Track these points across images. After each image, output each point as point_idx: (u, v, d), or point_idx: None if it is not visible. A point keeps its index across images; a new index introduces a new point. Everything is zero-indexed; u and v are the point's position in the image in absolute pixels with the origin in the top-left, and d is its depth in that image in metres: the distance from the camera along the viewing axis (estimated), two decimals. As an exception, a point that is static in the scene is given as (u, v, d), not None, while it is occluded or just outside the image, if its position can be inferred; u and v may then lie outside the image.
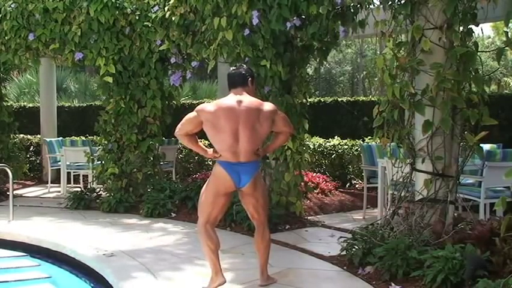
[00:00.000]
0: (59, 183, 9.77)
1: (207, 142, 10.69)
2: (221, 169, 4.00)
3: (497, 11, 4.56)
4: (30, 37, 8.14)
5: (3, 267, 5.51)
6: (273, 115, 4.07)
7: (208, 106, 4.06)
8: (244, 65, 4.40)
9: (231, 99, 4.04)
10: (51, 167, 10.06)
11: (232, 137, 3.92)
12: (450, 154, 4.80)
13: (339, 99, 12.02)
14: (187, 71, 7.69)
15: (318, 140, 9.80)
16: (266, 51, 6.27)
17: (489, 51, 15.37)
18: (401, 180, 5.07)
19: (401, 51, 4.89)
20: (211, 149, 4.13)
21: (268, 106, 4.11)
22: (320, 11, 5.62)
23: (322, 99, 12.45)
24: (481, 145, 4.81)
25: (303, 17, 6.16)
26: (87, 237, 6.04)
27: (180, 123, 4.11)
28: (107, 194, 7.96)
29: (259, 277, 4.26)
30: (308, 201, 7.29)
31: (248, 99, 4.03)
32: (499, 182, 5.69)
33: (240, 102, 3.99)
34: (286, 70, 6.37)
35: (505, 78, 24.39)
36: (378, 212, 6.61)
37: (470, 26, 4.79)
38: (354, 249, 4.75)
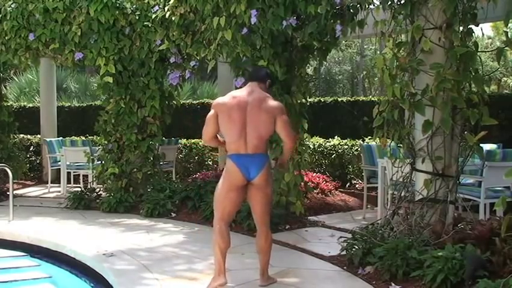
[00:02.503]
0: (59, 183, 9.77)
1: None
2: (231, 162, 4.06)
3: (497, 11, 4.56)
4: (31, 37, 8.14)
5: (4, 267, 5.51)
6: (274, 112, 4.05)
7: (222, 98, 4.19)
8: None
9: (243, 91, 4.16)
10: (51, 167, 10.06)
11: (241, 128, 4.00)
12: (450, 154, 4.80)
13: (339, 99, 12.02)
14: (186, 71, 7.69)
15: (318, 140, 9.80)
16: (264, 50, 6.27)
17: (489, 51, 15.38)
18: (401, 180, 5.07)
19: (401, 51, 4.89)
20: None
21: (273, 102, 4.12)
22: (319, 10, 5.61)
23: (322, 99, 12.45)
24: (481, 145, 4.82)
25: (302, 16, 6.16)
26: (87, 237, 6.04)
27: (203, 129, 4.14)
28: (107, 194, 7.96)
29: (259, 277, 4.26)
30: (308, 201, 7.29)
31: (258, 92, 4.12)
32: (499, 182, 5.69)
33: (250, 93, 4.10)
34: (283, 70, 6.37)
35: (505, 78, 24.38)
36: (378, 212, 6.60)
37: (470, 26, 4.79)
38: (354, 249, 4.75)
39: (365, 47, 29.85)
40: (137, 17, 7.75)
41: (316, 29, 5.89)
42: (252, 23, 6.11)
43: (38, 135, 11.74)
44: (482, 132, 4.50)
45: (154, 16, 7.52)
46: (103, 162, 8.17)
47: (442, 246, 4.25)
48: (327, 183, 8.09)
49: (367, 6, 5.57)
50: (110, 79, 7.83)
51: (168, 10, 7.23)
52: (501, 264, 3.91)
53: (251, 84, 4.21)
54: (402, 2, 4.91)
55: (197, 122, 12.05)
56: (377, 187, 6.82)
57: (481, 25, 5.00)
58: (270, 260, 4.28)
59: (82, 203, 7.91)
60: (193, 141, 10.89)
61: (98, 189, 8.32)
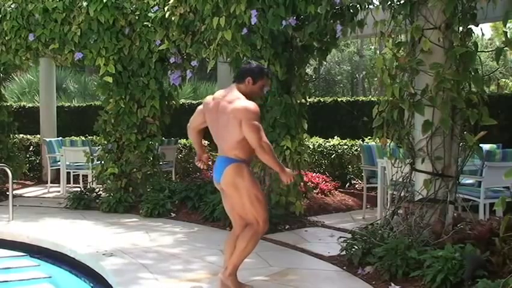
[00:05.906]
0: (59, 183, 9.77)
1: (206, 142, 10.69)
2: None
3: (496, 11, 4.56)
4: (31, 37, 8.13)
5: (3, 267, 5.51)
6: (238, 114, 3.78)
7: (209, 97, 4.13)
8: (255, 63, 4.24)
9: (218, 93, 4.08)
10: (51, 167, 10.06)
11: (214, 130, 3.99)
12: (450, 154, 4.80)
13: (339, 99, 12.01)
14: (187, 71, 7.68)
15: (317, 140, 9.81)
16: (264, 51, 6.27)
17: (488, 51, 15.38)
18: (400, 180, 5.07)
19: (400, 51, 4.89)
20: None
21: (237, 103, 3.83)
22: (319, 10, 5.62)
23: (322, 99, 12.44)
24: (480, 145, 4.82)
25: (302, 17, 6.17)
26: (87, 237, 6.04)
27: None
28: (107, 194, 7.96)
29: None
30: (308, 201, 7.28)
31: (229, 95, 3.94)
32: (499, 182, 5.69)
33: (225, 95, 3.96)
34: (283, 70, 6.36)
35: (504, 79, 24.37)
36: (378, 212, 6.61)
37: (469, 26, 4.80)
38: (353, 249, 4.75)
39: (364, 47, 29.85)
40: (136, 17, 7.75)
41: (316, 29, 5.89)
42: (252, 23, 6.11)
43: (38, 135, 11.73)
44: (482, 132, 4.51)
45: (153, 16, 7.52)
46: (103, 162, 8.16)
47: (442, 246, 4.26)
48: (327, 184, 8.09)
49: (367, 6, 5.57)
50: (110, 79, 7.83)
51: (168, 10, 7.23)
52: (500, 264, 3.92)
53: (232, 85, 4.04)
54: (401, 2, 4.91)
55: (197, 122, 12.08)
56: (376, 187, 6.82)
57: (480, 25, 5.00)
58: (269, 259, 4.24)
59: (81, 203, 7.91)
60: (192, 141, 10.87)
61: (97, 189, 8.32)
